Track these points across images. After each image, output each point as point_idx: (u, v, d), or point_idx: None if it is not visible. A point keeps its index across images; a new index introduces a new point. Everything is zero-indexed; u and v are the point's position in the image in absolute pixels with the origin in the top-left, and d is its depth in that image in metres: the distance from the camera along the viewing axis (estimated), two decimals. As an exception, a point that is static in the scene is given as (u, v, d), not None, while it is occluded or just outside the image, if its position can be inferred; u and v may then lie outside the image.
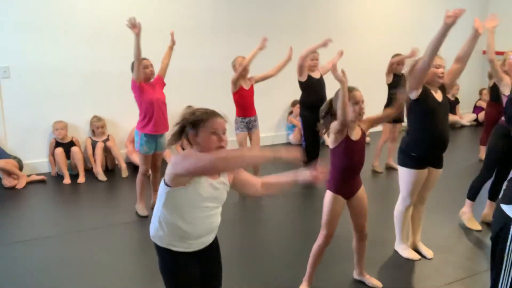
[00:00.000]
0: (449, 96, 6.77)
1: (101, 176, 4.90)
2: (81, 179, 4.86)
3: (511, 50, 3.84)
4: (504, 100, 3.45)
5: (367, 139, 6.52)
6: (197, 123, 1.79)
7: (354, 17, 6.81)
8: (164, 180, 1.80)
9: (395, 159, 4.71)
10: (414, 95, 2.86)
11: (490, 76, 5.50)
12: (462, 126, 7.69)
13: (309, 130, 4.79)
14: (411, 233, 3.31)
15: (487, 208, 3.81)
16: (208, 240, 1.92)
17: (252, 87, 4.37)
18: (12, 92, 4.83)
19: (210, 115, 1.81)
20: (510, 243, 1.83)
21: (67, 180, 4.80)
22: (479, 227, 3.67)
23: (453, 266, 3.14)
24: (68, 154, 4.92)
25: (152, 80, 3.87)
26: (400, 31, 7.06)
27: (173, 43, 4.05)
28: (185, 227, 1.81)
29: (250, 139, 4.49)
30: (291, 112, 6.56)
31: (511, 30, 6.14)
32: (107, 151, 5.13)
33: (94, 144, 5.08)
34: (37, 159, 5.05)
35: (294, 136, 6.44)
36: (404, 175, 3.04)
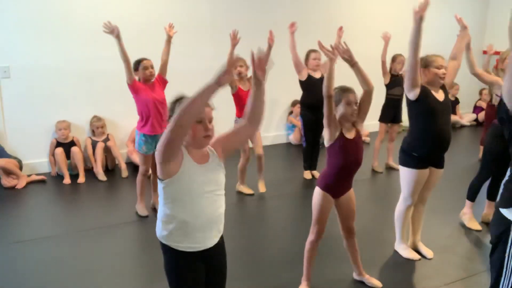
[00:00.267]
0: (449, 96, 6.77)
1: (101, 176, 4.90)
2: (81, 179, 4.86)
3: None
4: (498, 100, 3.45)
5: (367, 139, 6.54)
6: None
7: (354, 17, 6.81)
8: (159, 177, 1.81)
9: (395, 159, 4.72)
10: (412, 96, 2.87)
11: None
12: (462, 126, 7.69)
13: (310, 130, 4.81)
14: (411, 233, 3.32)
15: (486, 208, 3.83)
16: (213, 235, 1.88)
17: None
18: (12, 92, 4.83)
19: None
20: (510, 247, 1.82)
21: (67, 180, 4.80)
22: (479, 227, 3.68)
23: (453, 266, 3.14)
24: (68, 154, 4.92)
25: (152, 80, 3.86)
26: (400, 31, 7.05)
27: (170, 36, 3.95)
28: (188, 217, 1.79)
29: (251, 140, 4.48)
30: (291, 112, 6.56)
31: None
32: (107, 151, 5.13)
33: (94, 144, 5.08)
34: (37, 159, 5.05)
35: (294, 136, 6.44)
36: (406, 175, 3.04)
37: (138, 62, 3.79)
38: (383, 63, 5.06)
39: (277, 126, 6.59)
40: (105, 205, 4.34)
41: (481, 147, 5.62)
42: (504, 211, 1.85)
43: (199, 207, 1.81)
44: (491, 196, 3.73)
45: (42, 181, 4.82)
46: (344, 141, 2.54)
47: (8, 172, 4.61)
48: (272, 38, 3.81)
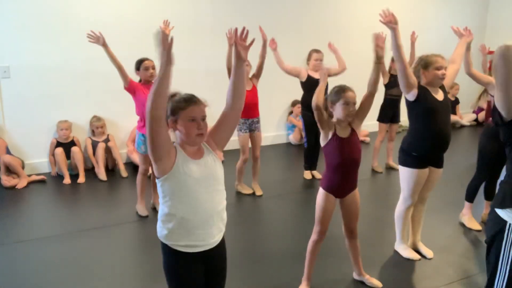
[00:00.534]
0: (449, 96, 6.77)
1: (103, 176, 4.90)
2: (81, 179, 4.86)
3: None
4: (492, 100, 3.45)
5: (367, 139, 6.55)
6: (175, 111, 1.79)
7: (354, 18, 6.81)
8: (156, 176, 1.81)
9: (394, 159, 4.72)
10: (411, 96, 2.88)
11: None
12: (462, 126, 7.70)
13: (310, 130, 4.80)
14: (411, 233, 3.32)
15: (486, 208, 3.83)
16: (214, 233, 1.86)
17: (254, 88, 4.26)
18: (12, 92, 4.84)
19: (188, 102, 1.80)
20: (505, 246, 1.84)
21: (67, 180, 4.81)
22: (479, 227, 3.68)
23: (453, 266, 3.14)
24: (68, 154, 4.92)
25: (152, 81, 3.87)
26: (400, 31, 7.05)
27: (166, 34, 3.94)
28: (187, 214, 1.78)
29: (252, 141, 4.44)
30: (291, 112, 6.56)
31: (511, 30, 6.15)
32: (108, 151, 5.13)
33: (94, 144, 5.09)
34: (37, 159, 5.06)
35: (294, 136, 6.45)
36: (405, 175, 3.04)
37: (139, 62, 3.76)
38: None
39: (277, 126, 6.59)
40: (105, 205, 4.33)
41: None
42: (499, 211, 1.86)
43: (197, 203, 1.79)
44: (489, 196, 3.73)
45: (42, 181, 4.82)
46: (338, 141, 2.56)
47: (10, 170, 4.62)
48: (264, 33, 4.09)
